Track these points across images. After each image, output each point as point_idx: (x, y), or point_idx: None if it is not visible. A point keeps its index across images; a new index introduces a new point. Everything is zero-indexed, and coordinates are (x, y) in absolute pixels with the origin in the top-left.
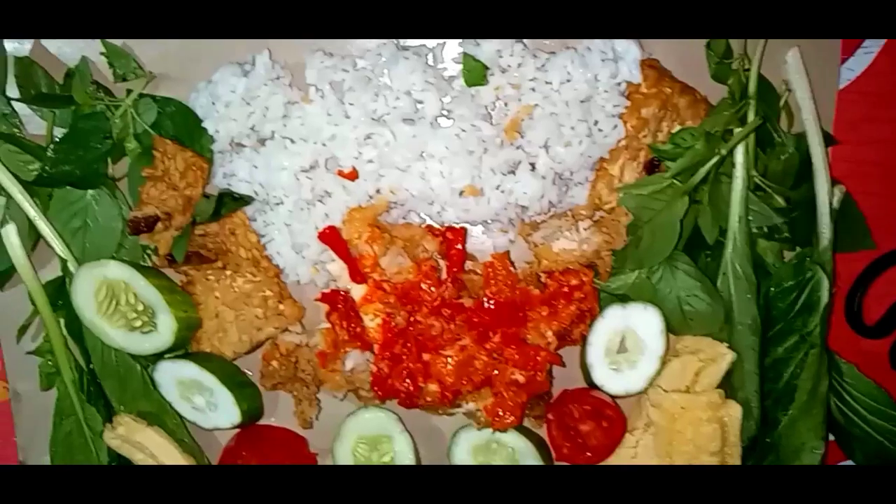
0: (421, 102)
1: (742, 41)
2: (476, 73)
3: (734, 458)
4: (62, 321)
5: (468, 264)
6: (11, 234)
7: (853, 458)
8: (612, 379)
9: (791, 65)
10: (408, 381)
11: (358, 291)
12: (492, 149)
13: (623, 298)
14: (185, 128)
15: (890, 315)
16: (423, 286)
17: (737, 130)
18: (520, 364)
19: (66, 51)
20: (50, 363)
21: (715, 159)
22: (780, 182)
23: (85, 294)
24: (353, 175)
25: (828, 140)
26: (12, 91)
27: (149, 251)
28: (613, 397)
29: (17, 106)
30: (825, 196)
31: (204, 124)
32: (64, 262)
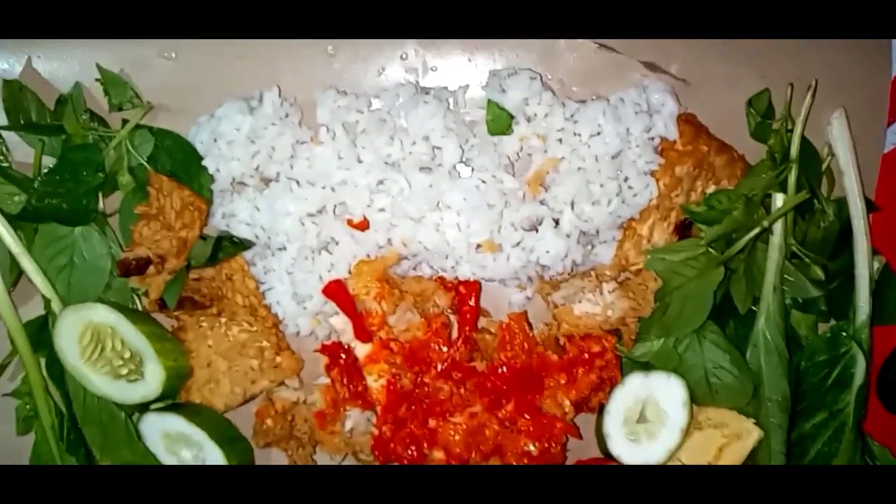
0: (439, 149)
1: (785, 101)
2: (501, 122)
3: None
4: (43, 362)
5: (482, 321)
6: None
7: None
8: (630, 450)
9: (835, 127)
10: (412, 447)
11: (362, 349)
12: (513, 203)
13: (646, 366)
14: (183, 164)
15: None
16: (433, 346)
17: (776, 195)
18: (534, 435)
19: (60, 75)
20: (28, 406)
21: (756, 231)
22: (819, 251)
23: (69, 337)
24: (363, 225)
25: (869, 207)
26: None
27: (138, 293)
28: None
29: (4, 132)
30: (865, 269)
31: (204, 162)
32: (47, 301)
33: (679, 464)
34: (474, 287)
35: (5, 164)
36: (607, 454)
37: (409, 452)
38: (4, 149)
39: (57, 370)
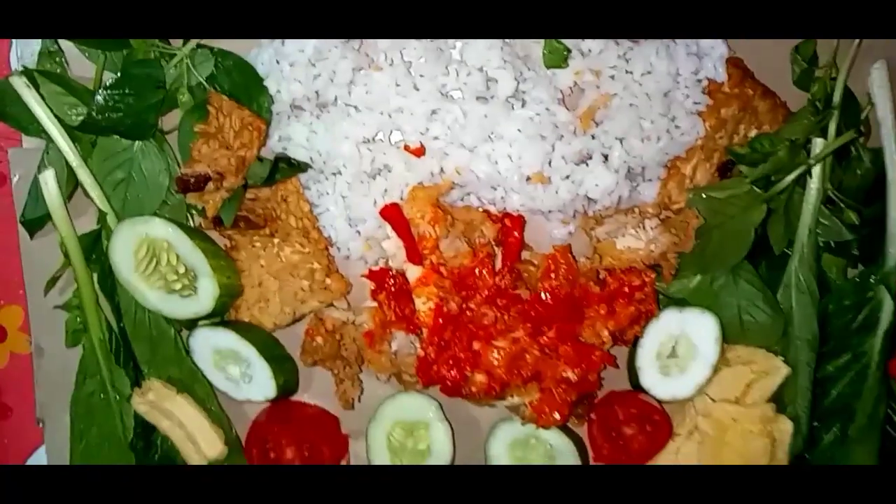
0: (495, 81)
1: (831, 48)
2: (557, 55)
3: None
4: (95, 276)
5: (525, 254)
6: (50, 180)
7: None
8: (661, 383)
9: (875, 77)
10: (454, 369)
11: (413, 273)
12: (566, 136)
13: (681, 302)
14: (242, 85)
15: None
16: (479, 273)
17: (817, 140)
18: (573, 362)
19: None
20: (78, 319)
21: (801, 169)
22: (854, 197)
23: (124, 251)
24: (419, 151)
25: None
26: None
27: (193, 210)
28: (659, 402)
29: (63, 45)
30: None
31: (265, 83)
32: (102, 214)
33: (709, 401)
34: (519, 220)
35: (67, 77)
36: (637, 387)
37: (452, 373)
38: (64, 61)
39: (109, 284)
